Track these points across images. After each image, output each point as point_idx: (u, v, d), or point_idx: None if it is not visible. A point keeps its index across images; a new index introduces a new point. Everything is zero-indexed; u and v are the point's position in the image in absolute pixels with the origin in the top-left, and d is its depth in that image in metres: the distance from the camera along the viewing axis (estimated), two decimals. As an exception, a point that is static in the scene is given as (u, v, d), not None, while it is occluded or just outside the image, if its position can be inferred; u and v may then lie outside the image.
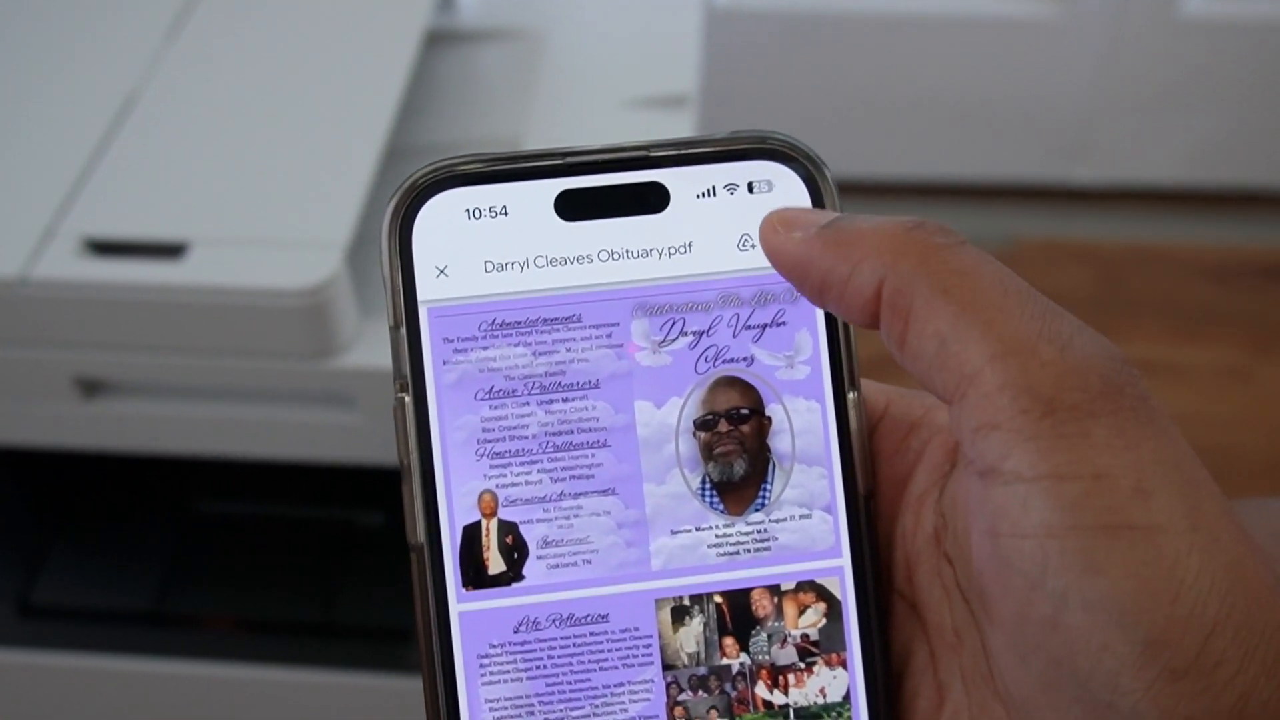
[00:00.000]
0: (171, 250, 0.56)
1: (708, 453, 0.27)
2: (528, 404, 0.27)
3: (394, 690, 0.67)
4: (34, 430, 0.62)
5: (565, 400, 0.27)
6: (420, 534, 0.26)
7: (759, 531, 0.27)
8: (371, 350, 0.57)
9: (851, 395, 0.27)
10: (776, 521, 0.27)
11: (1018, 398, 0.21)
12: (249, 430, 0.61)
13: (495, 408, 0.27)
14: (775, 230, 0.25)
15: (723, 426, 0.27)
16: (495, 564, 0.26)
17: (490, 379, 0.26)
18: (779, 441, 0.27)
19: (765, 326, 0.27)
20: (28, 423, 0.62)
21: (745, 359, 0.27)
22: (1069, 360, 0.21)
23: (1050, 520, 0.20)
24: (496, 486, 0.26)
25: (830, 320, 0.27)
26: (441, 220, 0.27)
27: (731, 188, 0.27)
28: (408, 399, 0.26)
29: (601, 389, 0.27)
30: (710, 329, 0.27)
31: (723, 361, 0.27)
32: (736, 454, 0.27)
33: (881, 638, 0.26)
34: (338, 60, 0.68)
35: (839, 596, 0.27)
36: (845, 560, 0.27)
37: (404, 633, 0.67)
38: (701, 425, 0.27)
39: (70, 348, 0.57)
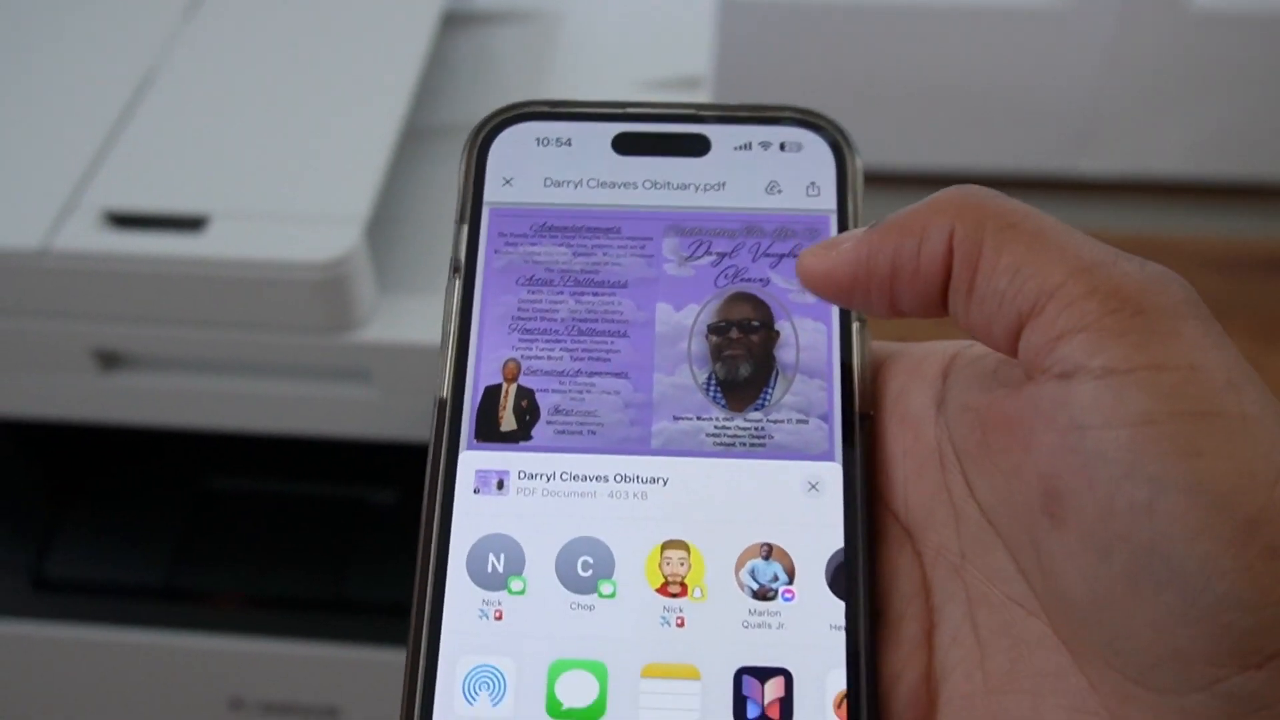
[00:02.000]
0: (192, 223, 0.56)
1: (717, 354, 0.29)
2: (561, 293, 0.30)
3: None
4: (51, 403, 0.63)
5: (595, 295, 0.30)
6: (446, 390, 0.29)
7: (756, 428, 0.28)
8: (389, 325, 0.58)
9: (857, 324, 0.29)
10: (774, 421, 0.28)
11: (1106, 301, 0.22)
12: (265, 405, 0.61)
13: (532, 293, 0.30)
14: (817, 255, 0.26)
15: (734, 334, 0.29)
16: (508, 423, 0.29)
17: (532, 269, 0.30)
18: (784, 353, 0.29)
19: (783, 256, 0.30)
20: (46, 395, 0.62)
21: (761, 280, 0.30)
22: (1149, 273, 0.22)
23: (1148, 408, 0.21)
24: (521, 357, 0.29)
25: None
26: (514, 144, 0.31)
27: (765, 144, 0.31)
28: (458, 281, 0.30)
29: (628, 289, 0.30)
30: (733, 253, 0.30)
31: (740, 280, 0.30)
32: (743, 358, 0.29)
33: (868, 549, 0.27)
34: (357, 39, 0.68)
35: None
36: (838, 465, 0.28)
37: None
38: (714, 330, 0.29)
39: (89, 320, 0.58)
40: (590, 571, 0.27)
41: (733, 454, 0.28)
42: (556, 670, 0.26)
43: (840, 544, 0.27)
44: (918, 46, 1.37)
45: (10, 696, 0.77)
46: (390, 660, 0.68)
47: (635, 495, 0.28)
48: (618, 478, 0.28)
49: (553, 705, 0.26)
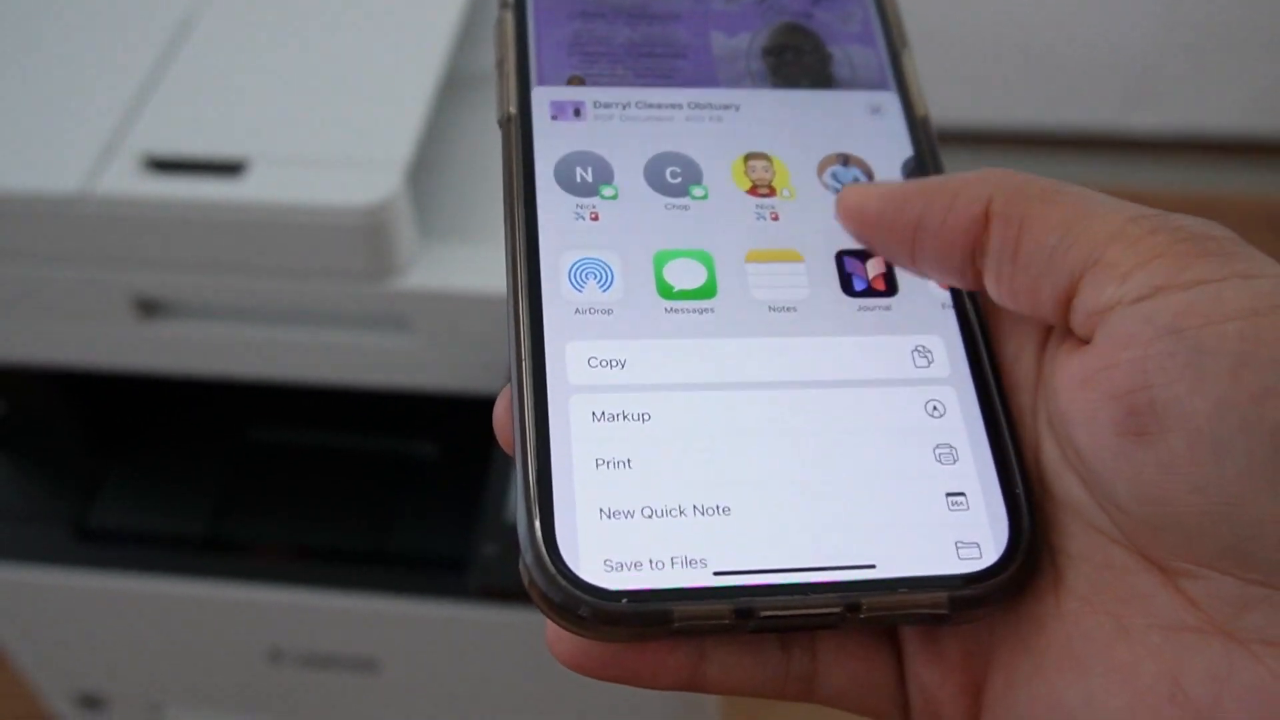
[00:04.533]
0: (231, 168, 0.55)
1: (774, 72, 0.30)
2: (614, 24, 0.30)
3: (447, 617, 0.67)
4: (90, 351, 0.62)
5: (649, 25, 0.30)
6: (513, 104, 0.28)
7: None
8: (430, 272, 0.57)
9: (905, 50, 0.31)
10: None
11: (1174, 234, 0.22)
12: (306, 354, 0.61)
13: (587, 23, 0.30)
14: (855, 190, 0.26)
15: (788, 55, 0.30)
16: None
17: (583, 4, 0.30)
18: (840, 70, 0.30)
19: (822, 1, 0.31)
20: (84, 343, 0.62)
21: (806, 14, 0.31)
22: (1200, 221, 0.22)
23: (1251, 304, 0.20)
24: (584, 74, 0.29)
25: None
26: None
27: None
28: (509, 13, 0.29)
29: (681, 20, 0.30)
30: None
31: (788, 14, 0.31)
32: (800, 71, 0.30)
33: (934, 159, 0.29)
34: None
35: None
36: (895, 94, 0.30)
37: (457, 561, 0.67)
38: (770, 51, 0.30)
39: (128, 266, 0.57)
40: (680, 179, 0.28)
41: (799, 88, 0.30)
42: (662, 259, 0.27)
43: (910, 152, 0.29)
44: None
45: (53, 645, 0.78)
46: (430, 613, 0.68)
47: (711, 119, 0.29)
48: (692, 105, 0.29)
49: (664, 288, 0.26)
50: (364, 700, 0.77)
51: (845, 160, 0.29)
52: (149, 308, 0.60)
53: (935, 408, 0.26)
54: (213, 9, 0.64)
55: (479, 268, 0.58)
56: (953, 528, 0.24)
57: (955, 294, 0.27)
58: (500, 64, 0.28)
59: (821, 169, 0.29)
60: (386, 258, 0.55)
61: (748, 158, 0.29)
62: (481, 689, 0.74)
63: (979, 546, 0.24)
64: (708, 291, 0.26)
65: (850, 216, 0.26)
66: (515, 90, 0.28)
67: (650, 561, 0.23)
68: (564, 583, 0.22)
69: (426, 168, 0.63)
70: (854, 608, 0.23)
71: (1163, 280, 0.21)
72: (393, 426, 0.73)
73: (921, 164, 0.29)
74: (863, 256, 0.27)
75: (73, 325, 0.61)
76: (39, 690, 0.83)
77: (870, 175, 0.29)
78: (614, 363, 0.25)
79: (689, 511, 0.23)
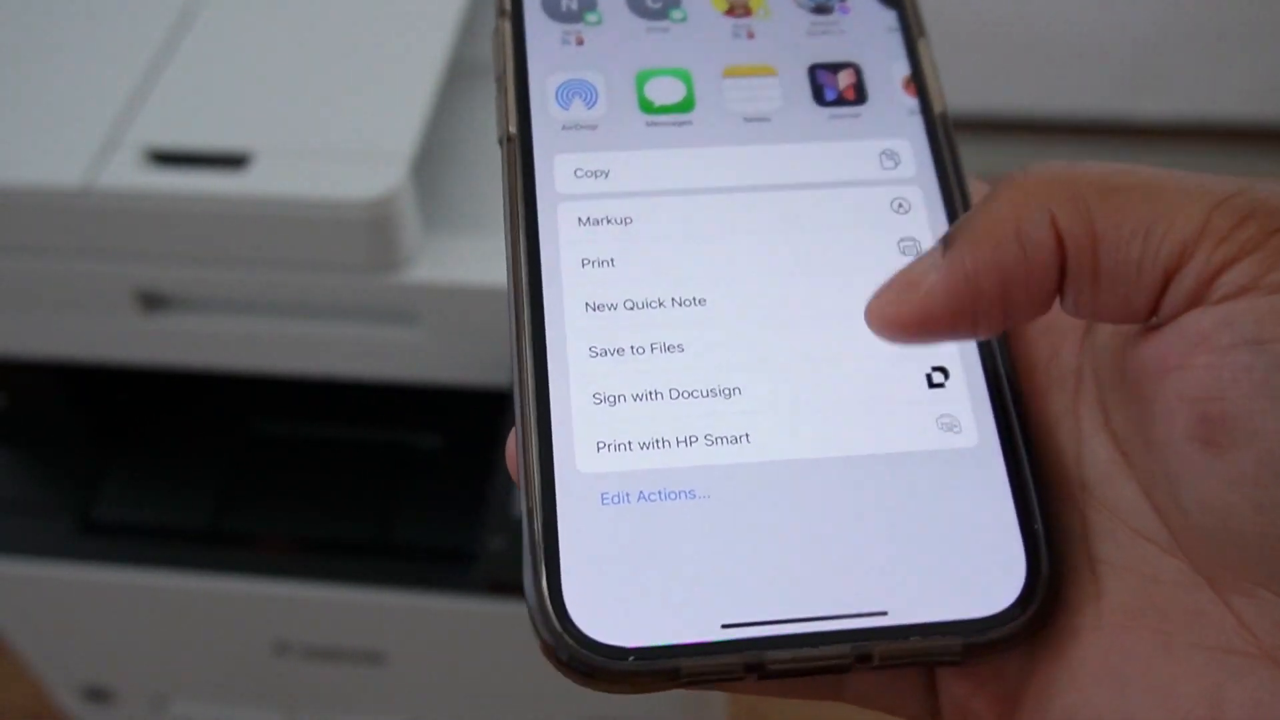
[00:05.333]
0: (234, 161, 0.55)
1: None
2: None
3: (453, 610, 0.67)
4: (93, 344, 0.62)
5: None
6: (513, 124, 0.28)
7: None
8: (435, 265, 0.56)
9: None
10: None
11: (1265, 222, 0.20)
12: (310, 347, 0.61)
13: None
14: (899, 301, 0.22)
15: None
16: None
17: None
18: None
19: None
20: (87, 337, 0.62)
21: None
22: None
23: None
24: None
25: None
26: None
27: None
28: (507, 25, 0.29)
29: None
30: None
31: None
32: None
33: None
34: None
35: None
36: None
37: (462, 553, 0.66)
38: None
39: (131, 259, 0.57)
40: (660, 3, 0.29)
41: None
42: (643, 78, 0.28)
43: None
44: (970, -14, 1.34)
45: (58, 637, 0.78)
46: (436, 606, 0.67)
47: None
48: None
49: (644, 104, 0.28)
50: (369, 693, 0.77)
51: None
52: (152, 301, 0.60)
53: (945, 421, 0.25)
54: (215, 0, 0.64)
55: (484, 260, 0.57)
56: (967, 569, 0.23)
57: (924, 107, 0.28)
58: (499, 79, 0.28)
59: None
60: (391, 250, 0.55)
61: None
62: (487, 682, 0.74)
63: (994, 589, 0.23)
64: (686, 106, 0.28)
65: (912, 331, 0.22)
66: (515, 108, 0.28)
67: (657, 615, 0.22)
68: (570, 640, 0.22)
69: (431, 160, 0.63)
70: (865, 657, 0.22)
71: (1249, 279, 0.20)
72: (397, 419, 0.73)
73: (939, 156, 0.28)
74: (834, 69, 0.29)
75: (76, 318, 0.61)
76: (45, 682, 0.83)
77: None
78: (599, 172, 0.27)
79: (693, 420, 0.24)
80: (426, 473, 0.71)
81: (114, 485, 0.72)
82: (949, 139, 0.28)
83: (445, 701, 0.78)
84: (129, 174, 0.54)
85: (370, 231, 0.54)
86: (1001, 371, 0.25)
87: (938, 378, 0.25)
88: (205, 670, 0.79)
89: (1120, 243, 0.21)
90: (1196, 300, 0.20)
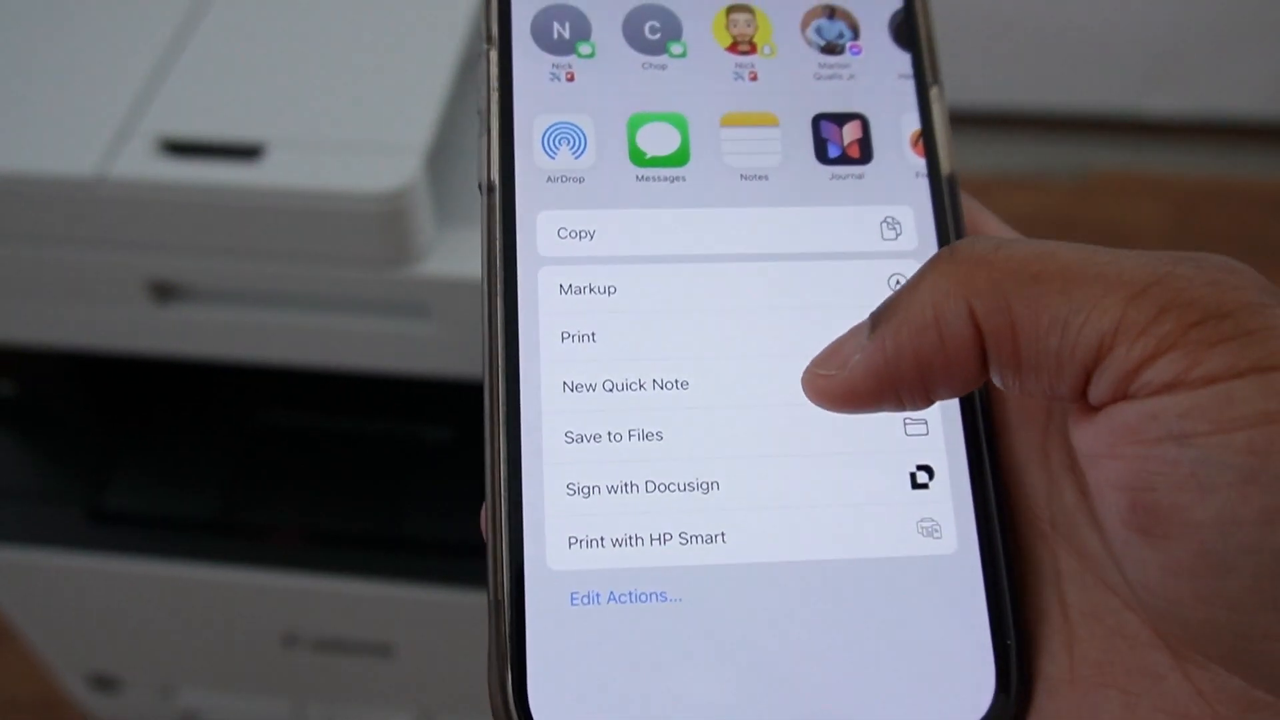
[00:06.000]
0: (248, 151, 0.55)
1: None
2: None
3: (461, 602, 0.67)
4: (105, 334, 0.62)
5: None
6: (495, 173, 0.27)
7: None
8: (448, 259, 0.56)
9: None
10: None
11: (1182, 315, 0.19)
12: (322, 339, 0.60)
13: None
14: (827, 376, 0.23)
15: None
16: None
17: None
18: None
19: None
20: (99, 327, 0.62)
21: None
22: (1210, 269, 0.20)
23: (1267, 407, 0.19)
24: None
25: None
26: None
27: None
28: (494, 54, 0.27)
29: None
30: None
31: None
32: None
33: (925, 11, 0.28)
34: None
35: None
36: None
37: (469, 546, 0.66)
38: None
39: (144, 249, 0.57)
40: (659, 35, 0.27)
41: None
42: (636, 123, 0.27)
43: (898, 4, 0.28)
44: (984, -21, 1.33)
45: (66, 626, 0.78)
46: (444, 599, 0.67)
47: None
48: None
49: (636, 154, 0.26)
50: (377, 685, 0.77)
51: (831, 13, 0.28)
52: (164, 291, 0.59)
53: (926, 526, 0.24)
54: (228, -11, 0.64)
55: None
56: (937, 680, 0.23)
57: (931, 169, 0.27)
58: (482, 114, 0.27)
59: (805, 23, 0.28)
60: (404, 244, 0.54)
61: (730, 10, 0.28)
62: (495, 675, 0.74)
63: (963, 703, 0.23)
64: (679, 159, 0.26)
65: (840, 403, 0.23)
66: (499, 154, 0.27)
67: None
68: None
69: (445, 152, 0.62)
70: None
71: (1172, 376, 0.19)
72: (406, 411, 0.73)
73: (910, 19, 0.28)
74: (840, 120, 0.27)
75: (87, 308, 0.60)
76: (52, 671, 0.83)
77: (856, 30, 0.28)
78: (584, 233, 0.26)
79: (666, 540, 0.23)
80: (437, 466, 0.71)
81: (124, 475, 0.72)
82: (954, 206, 0.26)
83: (453, 694, 0.78)
84: (142, 164, 0.54)
85: (384, 224, 0.53)
86: (987, 470, 0.25)
87: (922, 477, 0.25)
88: (213, 660, 0.79)
89: (1039, 335, 0.21)
90: (1121, 393, 0.20)
